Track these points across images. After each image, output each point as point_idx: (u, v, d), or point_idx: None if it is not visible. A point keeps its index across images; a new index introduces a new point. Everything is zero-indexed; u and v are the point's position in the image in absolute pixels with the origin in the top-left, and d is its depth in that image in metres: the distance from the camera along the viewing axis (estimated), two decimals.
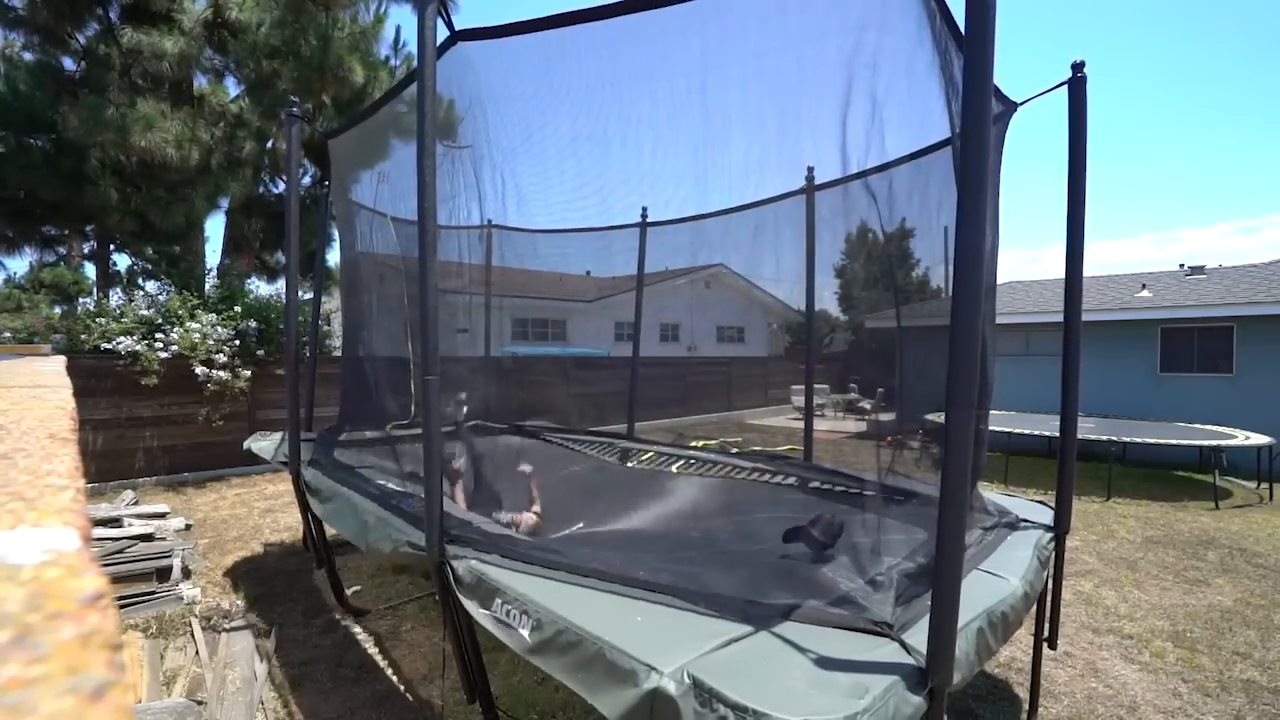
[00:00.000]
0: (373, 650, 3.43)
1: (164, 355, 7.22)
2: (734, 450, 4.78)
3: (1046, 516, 2.72)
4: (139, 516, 5.11)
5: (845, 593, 1.78)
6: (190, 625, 3.66)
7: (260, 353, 8.08)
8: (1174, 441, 7.51)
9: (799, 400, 4.48)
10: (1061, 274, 2.48)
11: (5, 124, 8.79)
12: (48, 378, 1.32)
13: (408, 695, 3.00)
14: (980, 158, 1.26)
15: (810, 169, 3.45)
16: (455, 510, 2.49)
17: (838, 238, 3.45)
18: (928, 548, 1.75)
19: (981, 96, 1.28)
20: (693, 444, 5.17)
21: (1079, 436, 2.64)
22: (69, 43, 9.22)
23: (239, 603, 4.03)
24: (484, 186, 3.51)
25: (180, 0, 8.69)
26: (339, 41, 9.03)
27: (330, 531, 3.91)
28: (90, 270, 15.95)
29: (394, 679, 3.14)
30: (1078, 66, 2.45)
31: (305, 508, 3.74)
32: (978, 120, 1.27)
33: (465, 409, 4.19)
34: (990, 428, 8.97)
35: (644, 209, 4.67)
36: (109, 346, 7.09)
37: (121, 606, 3.79)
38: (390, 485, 3.01)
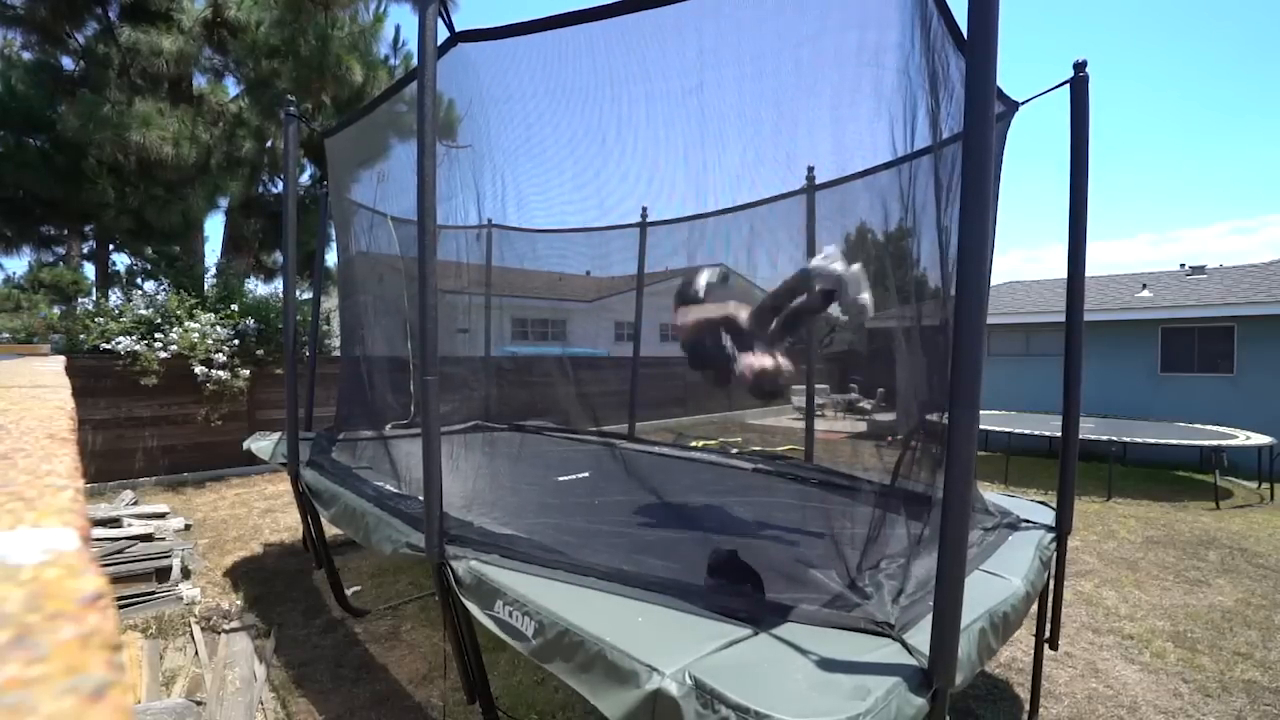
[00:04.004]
0: (373, 650, 3.43)
1: (163, 355, 7.22)
2: (734, 450, 4.78)
3: (1048, 517, 2.72)
4: (138, 516, 5.10)
5: (846, 593, 1.77)
6: (190, 625, 3.66)
7: (259, 352, 8.07)
8: (1174, 441, 7.51)
9: (799, 400, 4.48)
10: (1061, 274, 2.48)
11: (3, 123, 8.79)
12: (47, 378, 1.31)
13: (408, 695, 3.00)
14: (983, 158, 1.25)
15: (810, 169, 3.45)
16: (454, 511, 2.49)
17: (837, 238, 3.44)
18: (929, 547, 1.75)
19: (984, 97, 1.27)
20: (693, 444, 5.17)
21: (1080, 437, 2.64)
22: (68, 41, 9.21)
23: (238, 603, 4.03)
24: (483, 186, 3.51)
25: None
26: (338, 41, 9.02)
27: (330, 531, 3.91)
28: (89, 270, 15.94)
29: (394, 679, 3.14)
30: (1080, 66, 2.45)
31: (304, 508, 3.74)
32: (980, 120, 1.27)
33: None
34: (990, 428, 8.98)
35: (644, 209, 4.67)
36: (108, 346, 7.08)
37: (121, 606, 3.79)
38: (389, 486, 3.01)
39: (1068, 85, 2.48)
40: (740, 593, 1.75)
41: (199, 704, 2.79)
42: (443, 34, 2.29)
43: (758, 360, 2.36)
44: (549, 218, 3.95)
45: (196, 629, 3.60)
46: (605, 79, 2.67)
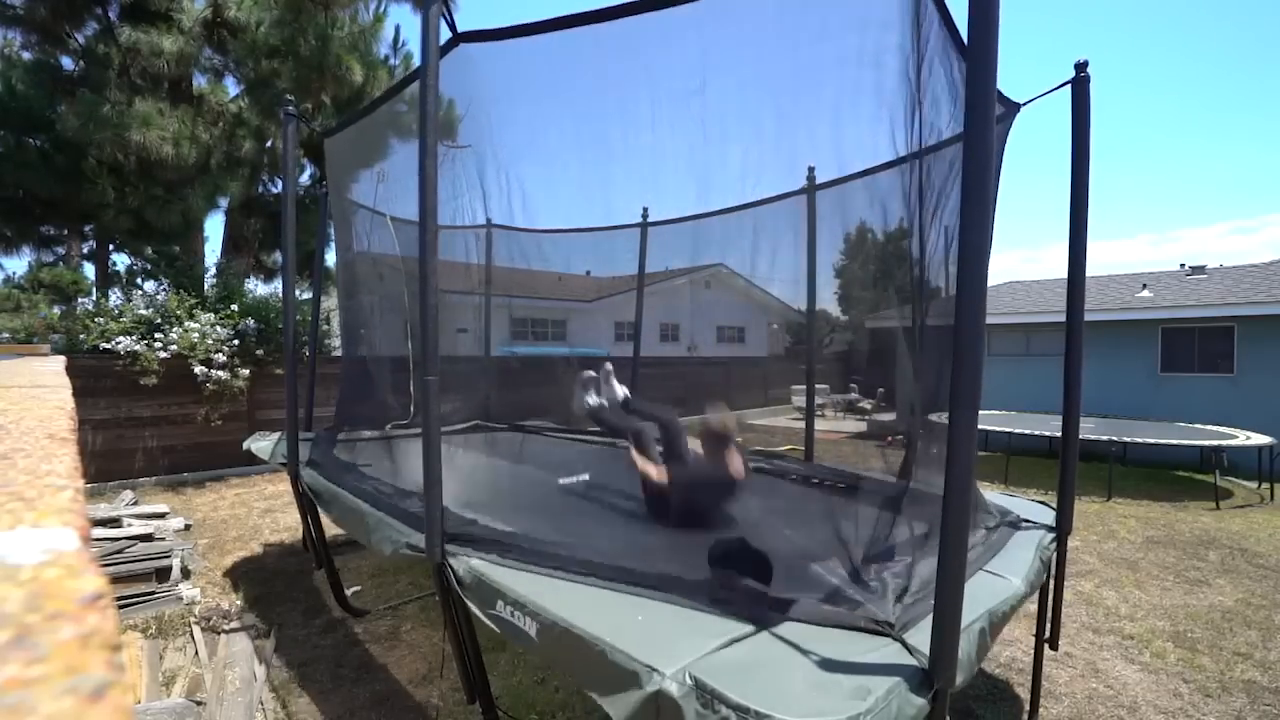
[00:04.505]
0: (373, 650, 3.43)
1: (163, 355, 7.22)
2: None
3: (1048, 517, 2.71)
4: (138, 516, 5.10)
5: (847, 592, 1.77)
6: (190, 625, 3.66)
7: (259, 352, 8.07)
8: (1174, 441, 7.51)
9: (799, 400, 4.48)
10: (1060, 274, 2.48)
11: (3, 123, 8.79)
12: (47, 378, 1.31)
13: (408, 695, 3.00)
14: (984, 160, 1.25)
15: (811, 168, 3.45)
16: (454, 510, 2.49)
17: (837, 238, 3.45)
18: (930, 547, 1.75)
19: (985, 99, 1.27)
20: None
21: (1080, 437, 2.63)
22: (68, 41, 9.21)
23: (238, 603, 4.03)
24: (488, 186, 3.52)
25: None
26: (338, 41, 9.02)
27: (330, 531, 3.90)
28: (89, 270, 15.94)
29: (394, 679, 3.14)
30: (1081, 66, 2.44)
31: (304, 508, 3.74)
32: (981, 121, 1.27)
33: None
34: (990, 428, 8.98)
35: (644, 209, 4.67)
36: (108, 346, 7.08)
37: (121, 607, 3.78)
38: (390, 486, 3.01)
39: (1069, 86, 2.48)
40: (743, 586, 1.74)
41: (199, 704, 2.79)
42: (445, 35, 2.29)
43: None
44: (554, 218, 3.96)
45: (196, 629, 3.60)
46: (610, 80, 2.67)
